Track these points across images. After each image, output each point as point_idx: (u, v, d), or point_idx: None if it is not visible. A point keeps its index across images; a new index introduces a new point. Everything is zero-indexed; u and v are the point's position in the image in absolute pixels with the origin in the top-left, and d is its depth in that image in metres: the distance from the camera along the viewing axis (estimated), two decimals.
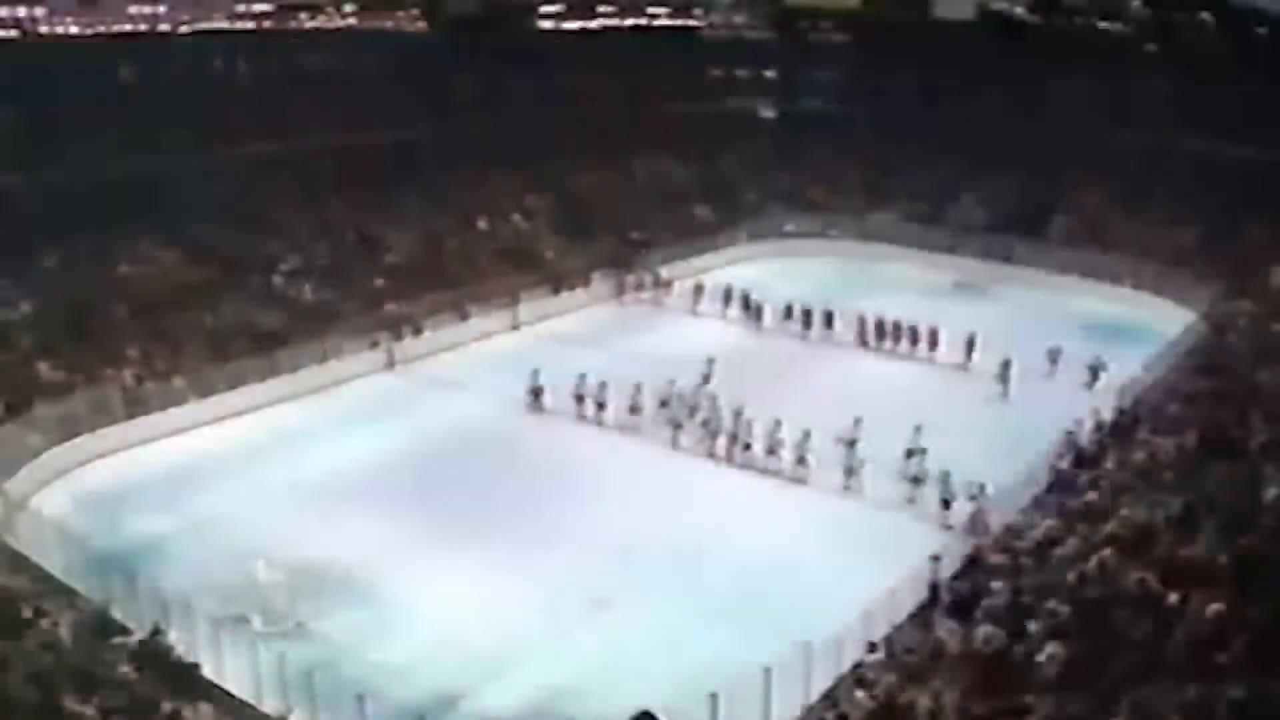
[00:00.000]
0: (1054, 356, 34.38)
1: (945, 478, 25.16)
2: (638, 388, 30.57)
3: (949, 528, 24.13)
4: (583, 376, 31.49)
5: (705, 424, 29.24)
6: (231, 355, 32.35)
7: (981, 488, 24.16)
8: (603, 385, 31.09)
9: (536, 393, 31.71)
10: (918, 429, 27.27)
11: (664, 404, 30.40)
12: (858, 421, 27.58)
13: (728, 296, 41.08)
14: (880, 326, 36.93)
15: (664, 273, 43.62)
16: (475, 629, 20.77)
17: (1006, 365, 32.90)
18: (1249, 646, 14.56)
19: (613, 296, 42.63)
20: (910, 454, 26.78)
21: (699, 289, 42.04)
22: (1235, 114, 42.91)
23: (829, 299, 39.69)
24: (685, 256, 45.45)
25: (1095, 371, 33.27)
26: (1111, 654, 15.73)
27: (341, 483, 26.88)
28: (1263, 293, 36.37)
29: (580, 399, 31.33)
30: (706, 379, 31.85)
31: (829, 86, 57.55)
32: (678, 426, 29.56)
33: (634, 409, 30.43)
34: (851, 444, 27.13)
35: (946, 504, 24.88)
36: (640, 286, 43.09)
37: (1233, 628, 15.14)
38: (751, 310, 39.96)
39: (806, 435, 27.20)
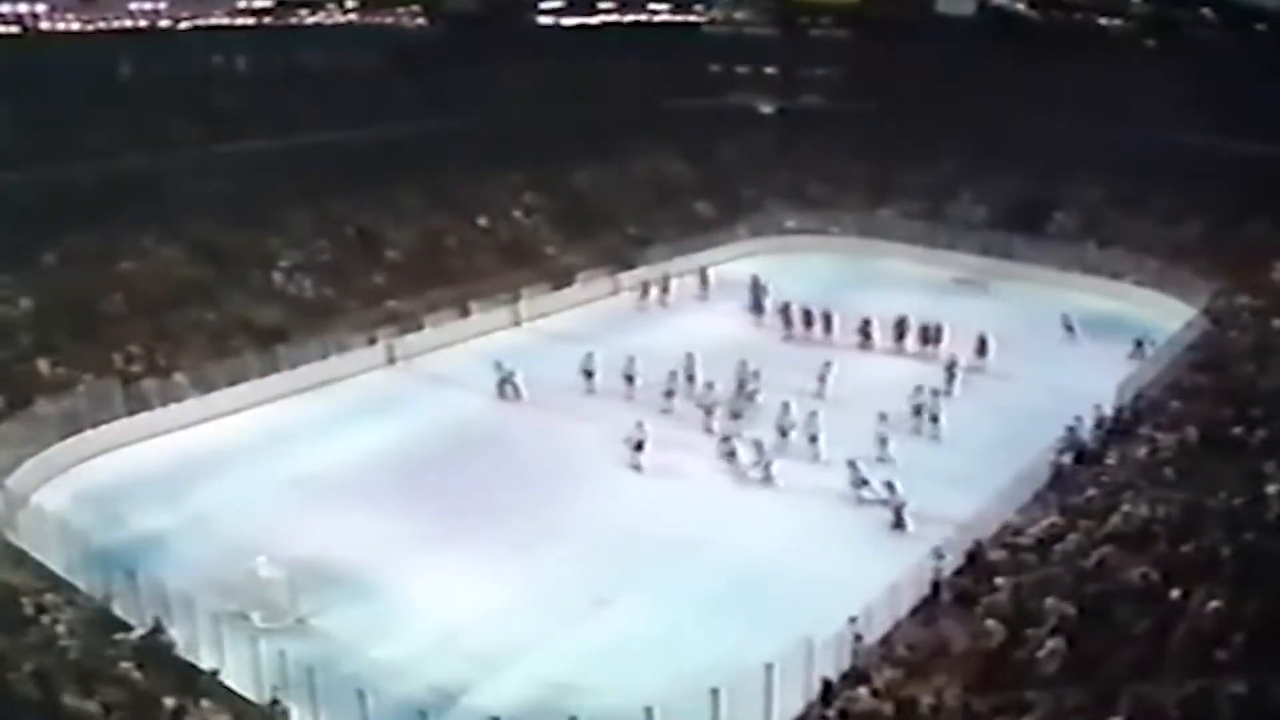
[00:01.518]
0: (1067, 323, 36.76)
1: (854, 464, 26.05)
2: (672, 374, 31.52)
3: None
4: (590, 355, 32.64)
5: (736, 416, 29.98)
6: (231, 351, 32.38)
7: (890, 485, 24.70)
8: (631, 360, 32.21)
9: (504, 382, 32.21)
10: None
11: (693, 379, 31.53)
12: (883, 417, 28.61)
13: (755, 292, 40.57)
14: (900, 324, 36.52)
15: (707, 269, 43.52)
16: (475, 625, 20.80)
17: (953, 364, 32.91)
18: (1249, 642, 14.58)
19: (638, 295, 42.06)
20: (883, 418, 28.45)
21: (757, 285, 41.22)
22: (1236, 110, 42.82)
23: (829, 295, 39.67)
24: (685, 253, 45.35)
25: (1140, 344, 34.27)
26: (1112, 649, 15.75)
27: (342, 479, 26.89)
28: (1264, 288, 36.35)
29: (589, 374, 32.39)
30: (822, 379, 31.83)
31: (829, 83, 57.47)
32: (709, 412, 29.87)
33: (669, 394, 31.09)
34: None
35: (864, 483, 25.70)
36: (665, 285, 42.41)
37: (1233, 623, 15.15)
38: (765, 308, 39.75)
39: (814, 414, 28.35)
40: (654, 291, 42.11)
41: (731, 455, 27.44)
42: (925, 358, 35.00)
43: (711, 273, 43.45)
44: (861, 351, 35.96)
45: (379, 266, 39.91)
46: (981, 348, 34.54)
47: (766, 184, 52.38)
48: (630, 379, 32.20)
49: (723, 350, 33.49)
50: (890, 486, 24.88)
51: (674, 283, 42.61)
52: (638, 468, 27.66)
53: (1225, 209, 42.94)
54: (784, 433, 28.36)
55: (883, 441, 27.74)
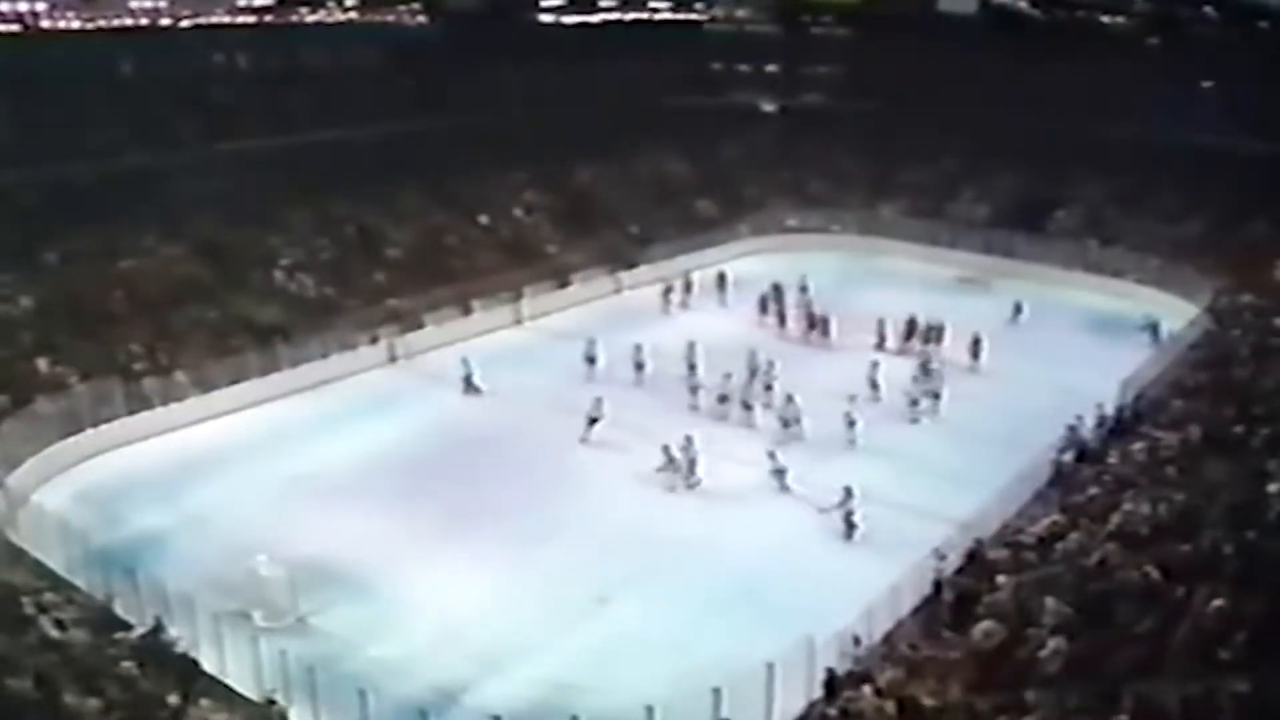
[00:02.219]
0: (1017, 309, 37.90)
1: (773, 454, 26.30)
2: (692, 368, 32.11)
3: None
4: (592, 340, 33.58)
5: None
6: (232, 350, 32.31)
7: (848, 491, 24.07)
8: (639, 347, 33.08)
9: (469, 379, 32.34)
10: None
11: (695, 368, 32.19)
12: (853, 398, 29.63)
13: (777, 292, 39.72)
14: (911, 324, 36.29)
15: (725, 272, 42.76)
16: (476, 624, 20.76)
17: (926, 364, 32.94)
18: (1251, 641, 14.54)
19: (661, 296, 41.25)
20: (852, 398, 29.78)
21: (779, 289, 40.24)
22: (1238, 107, 42.79)
23: (832, 293, 39.60)
24: (687, 251, 45.32)
25: (1155, 329, 35.46)
26: (1114, 649, 15.70)
27: (342, 478, 26.84)
28: (1266, 287, 36.27)
29: (591, 361, 33.05)
30: (875, 385, 31.76)
31: (831, 81, 57.41)
32: (723, 400, 30.46)
33: (694, 389, 31.45)
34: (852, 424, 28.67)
35: (781, 473, 26.08)
36: (687, 285, 41.75)
37: (1235, 622, 15.11)
38: (772, 308, 39.35)
39: (790, 398, 29.27)
40: (677, 293, 41.51)
41: (671, 461, 26.52)
42: (925, 356, 34.90)
43: (730, 274, 42.75)
44: (877, 351, 35.44)
45: (380, 265, 39.85)
46: (976, 348, 34.55)
47: (768, 182, 52.34)
48: (640, 366, 32.88)
49: (733, 347, 33.61)
50: (848, 492, 24.10)
51: (696, 279, 42.23)
52: (585, 441, 28.58)
53: (1227, 207, 42.84)
54: (786, 424, 28.81)
55: (851, 423, 28.53)
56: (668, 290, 41.43)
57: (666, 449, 26.44)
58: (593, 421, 28.71)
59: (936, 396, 30.96)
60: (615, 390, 30.77)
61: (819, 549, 23.47)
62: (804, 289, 39.85)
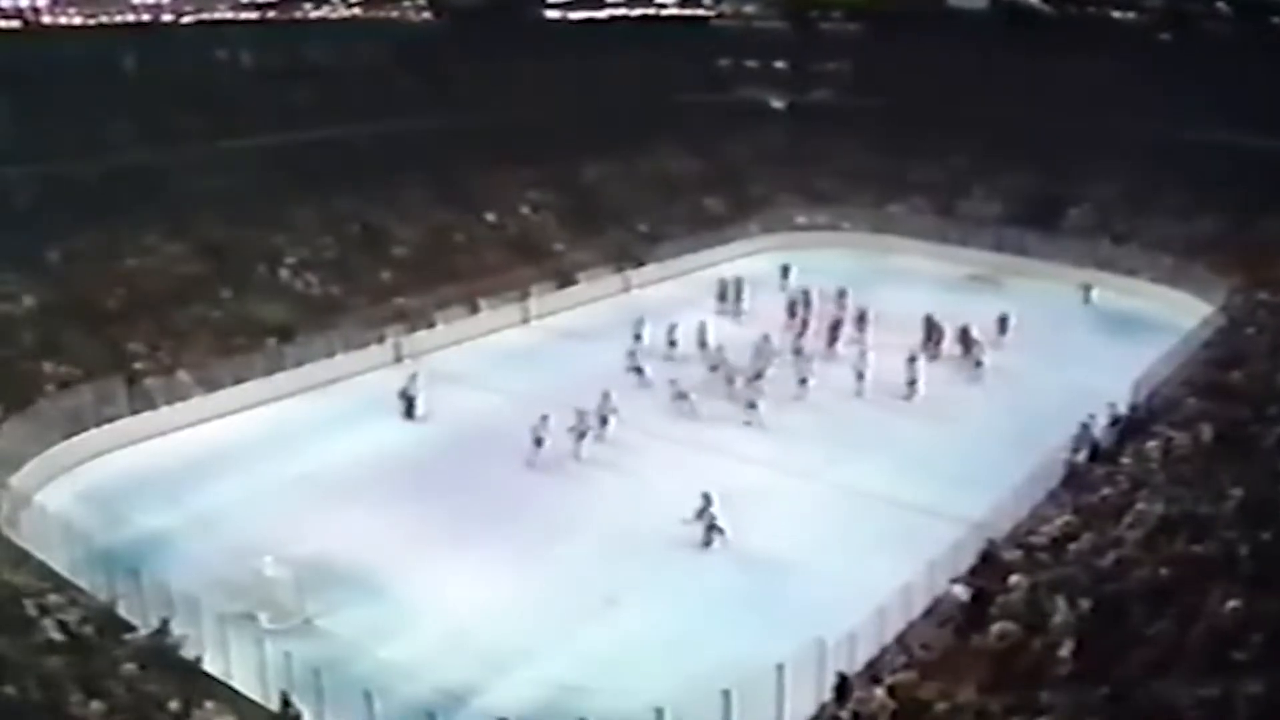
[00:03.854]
0: (1002, 323, 36.37)
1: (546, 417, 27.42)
2: (712, 349, 33.59)
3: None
4: (640, 320, 35.42)
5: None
6: (237, 349, 32.22)
7: (706, 497, 23.50)
8: (673, 326, 35.12)
9: (409, 400, 31.00)
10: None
11: (706, 345, 34.34)
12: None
13: (805, 297, 39.15)
14: (928, 323, 35.80)
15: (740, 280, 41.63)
16: (483, 626, 20.61)
17: (912, 360, 32.62)
18: (1266, 642, 14.37)
19: (718, 299, 40.54)
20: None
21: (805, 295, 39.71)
22: (1251, 104, 42.43)
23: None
24: (695, 249, 45.15)
25: (1087, 291, 39.36)
26: (1128, 649, 15.54)
27: (349, 478, 26.70)
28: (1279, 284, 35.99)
29: (638, 338, 34.66)
30: (912, 383, 32.21)
31: (840, 77, 57.22)
32: (753, 379, 31.50)
33: (712, 367, 32.75)
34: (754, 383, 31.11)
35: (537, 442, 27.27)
36: (739, 290, 40.70)
37: (1250, 623, 14.93)
38: (800, 312, 38.60)
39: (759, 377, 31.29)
40: (730, 296, 40.71)
41: (539, 443, 27.33)
42: (929, 355, 34.70)
43: (744, 276, 42.03)
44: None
45: (386, 263, 39.73)
46: (967, 346, 34.40)
47: (776, 180, 52.24)
48: (673, 343, 34.67)
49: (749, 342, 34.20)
50: (707, 499, 23.45)
51: (746, 278, 41.59)
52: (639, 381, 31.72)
53: (1240, 205, 42.61)
54: (752, 405, 30.20)
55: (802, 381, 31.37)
56: (724, 291, 40.80)
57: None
58: (639, 371, 32.40)
59: (979, 363, 33.51)
60: (631, 392, 31.09)
61: (827, 547, 23.24)
62: (842, 293, 39.44)
